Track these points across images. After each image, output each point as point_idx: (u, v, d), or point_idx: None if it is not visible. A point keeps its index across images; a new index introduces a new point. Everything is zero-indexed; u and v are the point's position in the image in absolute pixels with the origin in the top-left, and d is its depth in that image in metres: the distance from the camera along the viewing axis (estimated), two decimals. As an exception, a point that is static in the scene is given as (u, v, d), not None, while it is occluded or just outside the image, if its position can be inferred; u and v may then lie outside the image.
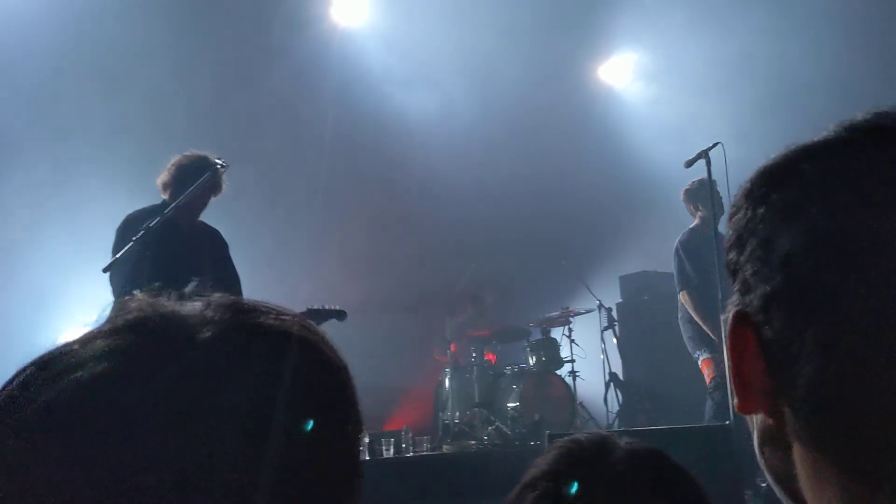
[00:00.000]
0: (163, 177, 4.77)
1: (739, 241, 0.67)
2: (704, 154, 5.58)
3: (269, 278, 8.28)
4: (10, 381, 0.57)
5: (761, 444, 0.67)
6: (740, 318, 0.65)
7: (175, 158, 4.79)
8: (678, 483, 1.03)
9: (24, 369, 0.57)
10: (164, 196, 4.75)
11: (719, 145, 5.53)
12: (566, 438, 1.11)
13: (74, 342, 0.57)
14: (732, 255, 0.68)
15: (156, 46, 8.01)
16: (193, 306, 0.60)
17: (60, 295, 7.01)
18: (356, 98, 9.29)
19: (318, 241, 8.81)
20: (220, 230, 5.05)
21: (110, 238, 4.62)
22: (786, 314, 0.61)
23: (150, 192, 4.89)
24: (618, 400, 8.57)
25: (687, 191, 6.56)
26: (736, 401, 0.66)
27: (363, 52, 9.51)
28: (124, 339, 0.56)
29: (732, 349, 0.66)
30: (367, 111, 9.40)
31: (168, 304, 0.60)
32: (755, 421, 0.67)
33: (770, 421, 0.64)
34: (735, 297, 0.67)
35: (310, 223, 8.76)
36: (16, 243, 7.03)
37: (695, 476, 1.06)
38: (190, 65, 8.29)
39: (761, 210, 0.65)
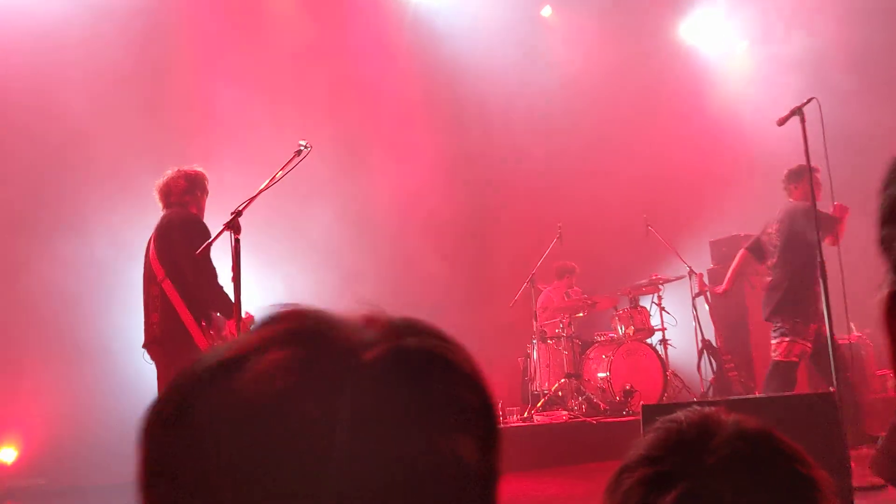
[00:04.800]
0: (174, 185, 5.17)
1: (892, 218, 0.63)
2: (798, 111, 5.30)
3: (351, 252, 8.42)
4: (182, 385, 0.59)
5: None
6: (894, 301, 0.63)
7: (177, 172, 5.22)
8: (788, 469, 0.97)
9: (199, 369, 0.59)
10: (172, 201, 5.12)
11: (814, 101, 5.27)
12: (667, 418, 1.05)
13: (247, 345, 0.59)
14: (885, 231, 0.64)
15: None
16: (356, 322, 0.62)
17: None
18: (435, 67, 9.31)
19: (402, 214, 8.87)
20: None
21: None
22: None
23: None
24: (712, 368, 8.37)
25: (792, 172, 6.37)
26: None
27: (440, 25, 9.51)
28: (298, 350, 0.58)
29: (887, 326, 0.64)
30: (444, 81, 9.40)
31: (334, 317, 0.62)
32: None
33: None
34: (891, 276, 0.64)
35: (393, 197, 8.83)
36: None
37: (807, 458, 1.00)
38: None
39: None
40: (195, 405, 0.57)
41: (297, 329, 0.60)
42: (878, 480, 4.62)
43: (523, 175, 9.54)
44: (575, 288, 9.06)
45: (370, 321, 0.62)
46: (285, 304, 0.62)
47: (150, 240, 5.26)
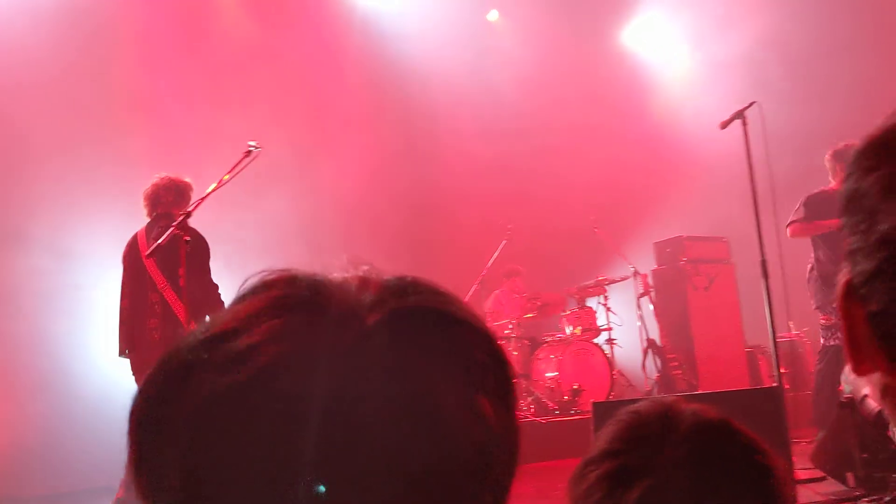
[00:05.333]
0: (164, 195, 5.25)
1: (847, 210, 0.66)
2: (740, 114, 5.45)
3: (299, 250, 8.33)
4: (171, 361, 0.55)
5: (883, 399, 0.67)
6: (849, 289, 0.65)
7: (167, 181, 5.29)
8: (747, 459, 0.99)
9: (186, 346, 0.54)
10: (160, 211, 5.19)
11: (755, 104, 5.42)
12: (627, 409, 1.06)
13: (236, 317, 0.55)
14: (844, 221, 0.67)
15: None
16: (350, 284, 0.58)
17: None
18: (382, 69, 9.31)
19: (347, 218, 8.82)
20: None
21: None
22: (886, 293, 0.61)
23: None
24: (656, 366, 8.54)
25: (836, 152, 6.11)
26: (851, 364, 0.66)
27: (387, 27, 9.50)
28: (296, 317, 0.54)
29: (844, 317, 0.66)
30: (390, 83, 9.40)
31: (329, 278, 0.58)
32: (873, 380, 0.67)
33: (886, 380, 0.64)
34: (847, 266, 0.67)
35: (337, 200, 8.78)
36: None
37: (764, 447, 1.02)
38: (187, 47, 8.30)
39: (868, 181, 0.64)
40: (184, 386, 0.53)
41: (291, 295, 0.56)
42: (818, 473, 4.76)
43: (471, 177, 9.58)
44: (521, 288, 9.14)
45: (364, 282, 0.58)
46: (273, 270, 0.58)
47: (133, 245, 5.24)
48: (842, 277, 0.67)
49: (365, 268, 0.60)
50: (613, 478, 0.98)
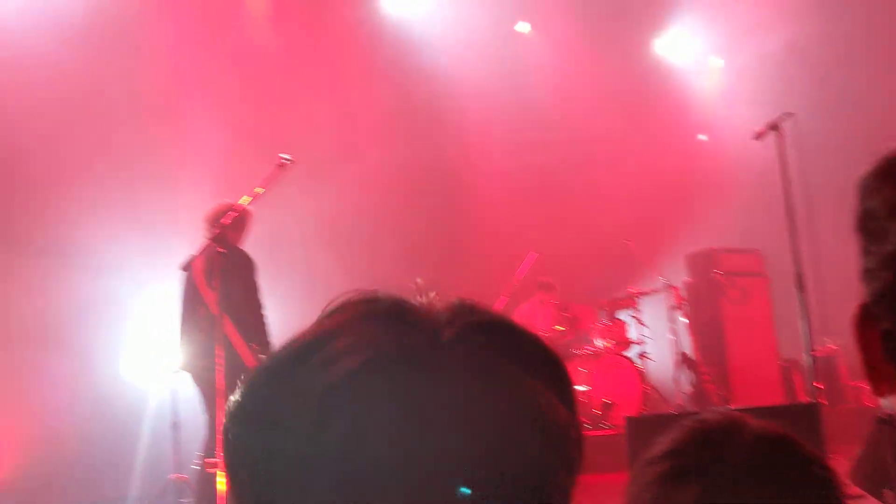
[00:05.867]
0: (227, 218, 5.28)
1: (860, 229, 0.65)
2: (775, 126, 5.38)
3: (327, 259, 8.40)
4: (276, 366, 0.61)
5: None
6: (863, 312, 0.66)
7: (231, 206, 5.35)
8: (808, 471, 0.99)
9: (289, 356, 0.60)
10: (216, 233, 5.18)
11: (790, 115, 5.34)
12: (693, 418, 1.07)
13: (325, 327, 0.61)
14: (859, 240, 0.66)
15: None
16: (426, 303, 0.65)
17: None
18: (411, 81, 9.34)
19: (375, 228, 8.84)
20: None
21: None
22: (893, 312, 0.62)
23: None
24: (689, 381, 8.43)
25: None
26: (870, 386, 0.66)
27: (417, 40, 9.55)
28: (381, 327, 0.60)
29: (859, 339, 0.67)
30: (419, 95, 9.43)
31: (407, 300, 0.64)
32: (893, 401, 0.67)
33: None
34: (863, 288, 0.66)
35: (367, 210, 8.80)
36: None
37: (826, 462, 1.02)
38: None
39: (875, 202, 0.64)
40: (282, 393, 0.58)
41: (375, 310, 0.62)
42: (856, 490, 4.67)
43: (501, 188, 9.57)
44: (553, 303, 9.07)
45: (437, 302, 0.65)
46: (358, 290, 0.65)
47: (190, 265, 5.29)
48: (860, 302, 0.66)
49: (434, 292, 0.66)
50: (671, 476, 0.99)
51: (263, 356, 4.02)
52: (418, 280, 0.67)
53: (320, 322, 0.62)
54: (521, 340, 0.64)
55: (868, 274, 0.64)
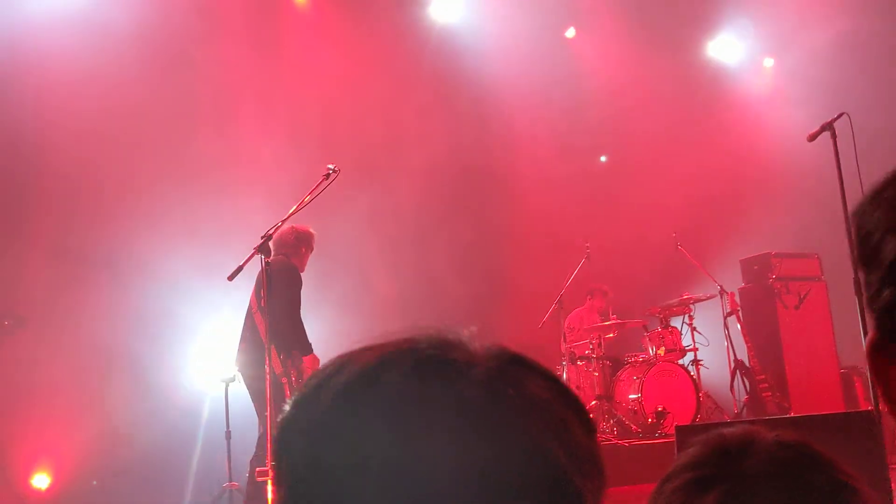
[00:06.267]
0: (289, 239, 5.83)
1: (859, 262, 0.65)
2: (829, 126, 5.24)
3: (376, 273, 8.45)
4: (320, 394, 0.65)
5: None
6: (875, 346, 0.66)
7: (293, 228, 5.80)
8: (826, 476, 0.99)
9: (333, 384, 0.65)
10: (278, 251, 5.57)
11: (845, 116, 5.20)
12: (712, 432, 1.08)
13: (378, 359, 0.66)
14: (864, 276, 0.65)
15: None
16: (471, 342, 0.70)
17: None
18: (459, 88, 9.37)
19: (424, 232, 8.86)
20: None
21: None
22: None
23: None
24: (745, 388, 8.25)
25: None
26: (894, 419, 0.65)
27: (464, 47, 9.56)
28: (425, 353, 0.66)
29: (874, 374, 0.67)
30: (467, 102, 9.45)
31: (448, 338, 0.69)
32: None
33: None
34: (873, 321, 0.65)
35: (417, 220, 8.84)
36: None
37: (845, 468, 1.02)
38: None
39: (869, 227, 0.63)
40: (333, 408, 0.63)
41: (422, 345, 0.67)
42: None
43: (550, 194, 9.52)
44: (605, 309, 8.96)
45: (474, 341, 0.70)
46: (412, 327, 0.70)
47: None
48: (869, 333, 0.65)
49: (472, 330, 0.71)
50: (691, 486, 1.00)
51: (303, 367, 4.15)
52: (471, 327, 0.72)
53: (379, 346, 0.67)
54: (547, 373, 0.70)
55: (871, 302, 0.63)
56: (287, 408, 0.67)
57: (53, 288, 7.00)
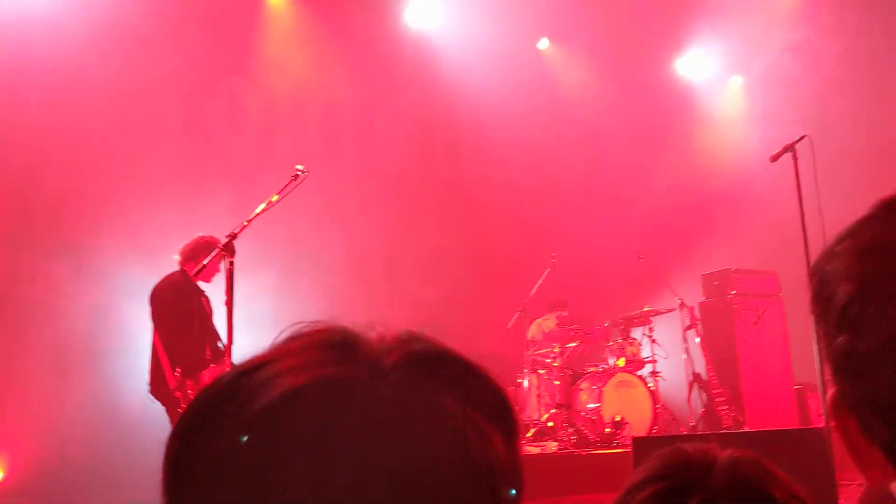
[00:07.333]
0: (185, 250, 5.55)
1: (816, 313, 0.66)
2: (791, 148, 5.38)
3: (343, 276, 8.43)
4: (219, 385, 0.62)
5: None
6: (835, 400, 0.67)
7: (194, 239, 5.60)
8: (786, 493, 1.02)
9: (233, 375, 0.62)
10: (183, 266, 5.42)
11: (806, 138, 5.33)
12: (674, 446, 1.10)
13: (277, 352, 0.62)
14: (822, 329, 0.67)
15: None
16: (369, 332, 0.66)
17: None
18: (431, 97, 9.39)
19: (393, 242, 8.88)
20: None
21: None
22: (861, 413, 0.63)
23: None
24: (702, 401, 8.37)
25: None
26: (860, 471, 0.67)
27: (438, 54, 9.59)
28: (322, 354, 0.62)
29: (838, 428, 0.68)
30: (439, 111, 9.47)
31: (354, 329, 0.66)
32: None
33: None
34: (832, 375, 0.67)
35: (385, 224, 8.84)
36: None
37: (795, 486, 1.06)
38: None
39: (827, 273, 0.65)
40: (219, 412, 0.60)
41: (320, 339, 0.64)
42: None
43: (518, 205, 9.58)
44: (566, 319, 9.03)
45: (383, 334, 0.66)
46: (307, 322, 0.66)
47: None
48: (829, 389, 0.67)
49: (381, 326, 0.67)
50: (663, 497, 1.01)
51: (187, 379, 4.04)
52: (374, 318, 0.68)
53: (270, 347, 0.64)
54: (462, 372, 0.65)
55: (828, 351, 0.65)
56: (183, 413, 0.64)
57: (11, 281, 6.89)
